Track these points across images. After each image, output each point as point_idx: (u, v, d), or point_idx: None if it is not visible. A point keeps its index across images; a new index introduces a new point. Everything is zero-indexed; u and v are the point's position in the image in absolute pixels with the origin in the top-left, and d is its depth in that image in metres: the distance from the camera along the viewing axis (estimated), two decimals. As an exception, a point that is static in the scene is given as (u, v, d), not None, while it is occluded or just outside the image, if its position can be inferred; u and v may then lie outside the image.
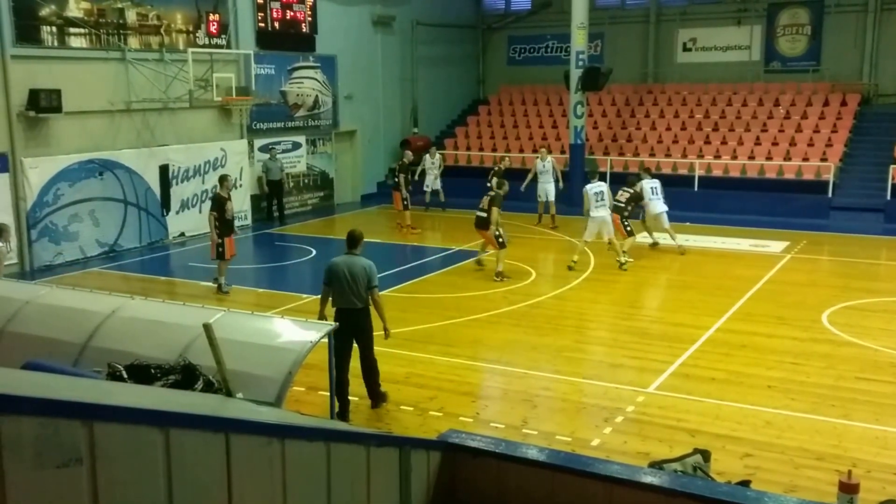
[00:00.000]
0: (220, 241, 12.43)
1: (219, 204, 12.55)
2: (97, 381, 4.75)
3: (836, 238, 17.20)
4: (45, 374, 4.26)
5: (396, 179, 17.95)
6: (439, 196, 20.39)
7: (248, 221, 18.65)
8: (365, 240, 8.31)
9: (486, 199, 13.60)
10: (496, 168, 17.85)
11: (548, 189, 18.28)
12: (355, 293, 7.75)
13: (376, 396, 7.94)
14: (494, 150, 23.18)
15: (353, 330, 7.82)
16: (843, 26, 21.95)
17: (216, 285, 12.67)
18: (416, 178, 20.13)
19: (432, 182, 20.36)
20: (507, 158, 19.60)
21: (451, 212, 20.30)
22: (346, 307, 7.81)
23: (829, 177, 19.18)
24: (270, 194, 19.33)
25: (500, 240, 13.38)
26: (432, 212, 20.25)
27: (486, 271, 13.87)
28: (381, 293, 8.16)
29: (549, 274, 13.86)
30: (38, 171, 14.39)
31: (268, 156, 19.14)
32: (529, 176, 18.36)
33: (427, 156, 20.64)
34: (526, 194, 18.02)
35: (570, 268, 13.89)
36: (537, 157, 18.58)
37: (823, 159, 19.78)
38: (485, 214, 13.43)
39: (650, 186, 15.42)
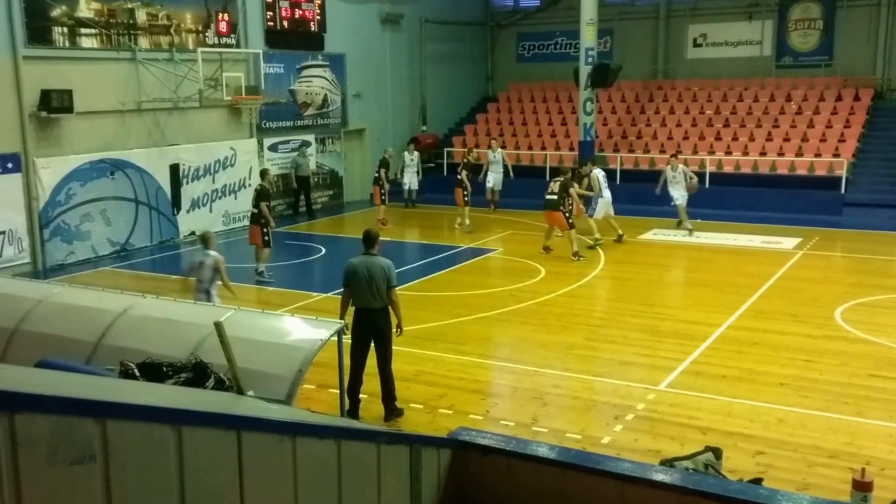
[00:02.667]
0: (266, 230, 12.97)
1: (267, 195, 13.27)
2: (110, 379, 4.78)
3: (849, 234, 17.08)
4: (58, 373, 4.29)
5: (377, 174, 18.15)
6: (412, 195, 20.38)
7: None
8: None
9: (556, 184, 14.58)
10: (465, 160, 18.25)
11: (497, 178, 20.01)
12: (374, 293, 7.73)
13: (390, 411, 7.89)
14: (503, 147, 23.10)
15: (371, 331, 7.81)
16: (855, 20, 21.78)
17: (258, 274, 13.14)
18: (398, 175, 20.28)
19: (410, 179, 20.30)
20: (475, 151, 20.11)
21: (458, 210, 20.26)
22: (364, 307, 7.80)
23: (842, 172, 19.04)
24: (298, 189, 19.58)
25: (570, 221, 14.48)
26: (417, 208, 20.31)
27: (554, 255, 14.63)
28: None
29: (558, 271, 13.81)
30: (50, 170, 14.48)
31: (298, 152, 19.44)
32: (485, 167, 20.01)
33: (406, 153, 20.55)
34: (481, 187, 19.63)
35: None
36: (489, 149, 20.35)
37: (836, 155, 19.63)
38: (555, 197, 14.44)
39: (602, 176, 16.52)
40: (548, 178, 20.93)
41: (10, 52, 13.86)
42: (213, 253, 9.49)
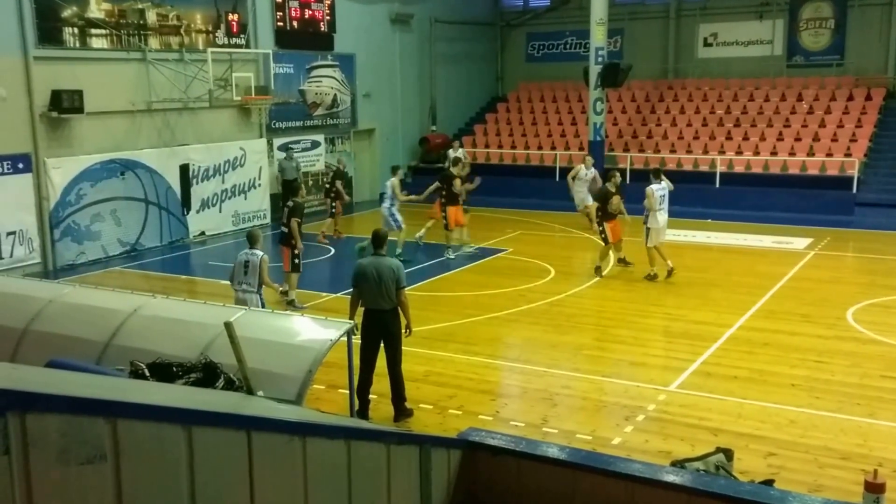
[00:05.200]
0: (296, 252, 11.63)
1: (301, 212, 11.98)
2: (120, 379, 4.79)
3: (861, 234, 16.97)
4: (69, 373, 4.30)
5: (329, 186, 17.16)
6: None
7: (268, 220, 18.73)
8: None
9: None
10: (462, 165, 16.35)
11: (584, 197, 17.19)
12: (383, 294, 7.72)
13: (400, 412, 7.90)
14: (513, 147, 23.11)
15: (380, 331, 7.81)
16: (867, 20, 21.63)
17: (288, 303, 11.43)
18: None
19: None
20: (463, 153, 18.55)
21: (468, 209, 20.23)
22: (373, 308, 7.80)
23: (854, 172, 18.92)
24: (285, 193, 19.21)
25: (603, 236, 13.43)
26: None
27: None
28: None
29: (568, 272, 13.77)
30: (60, 171, 14.55)
31: (284, 155, 19.18)
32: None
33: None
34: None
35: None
36: (581, 164, 17.51)
37: (847, 155, 19.51)
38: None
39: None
40: (557, 178, 20.88)
41: (21, 52, 13.93)
42: (259, 252, 9.15)
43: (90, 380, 3.94)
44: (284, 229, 11.91)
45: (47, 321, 6.88)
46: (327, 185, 17.60)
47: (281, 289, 11.39)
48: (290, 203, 12.09)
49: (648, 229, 12.92)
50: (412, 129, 23.63)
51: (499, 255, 15.33)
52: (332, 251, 16.00)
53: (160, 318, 6.73)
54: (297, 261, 11.69)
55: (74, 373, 4.34)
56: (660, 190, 12.87)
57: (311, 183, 20.28)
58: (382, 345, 7.88)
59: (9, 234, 13.88)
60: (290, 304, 11.47)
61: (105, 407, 2.45)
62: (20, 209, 14.01)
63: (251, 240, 9.32)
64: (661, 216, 12.87)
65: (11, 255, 13.89)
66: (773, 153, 20.29)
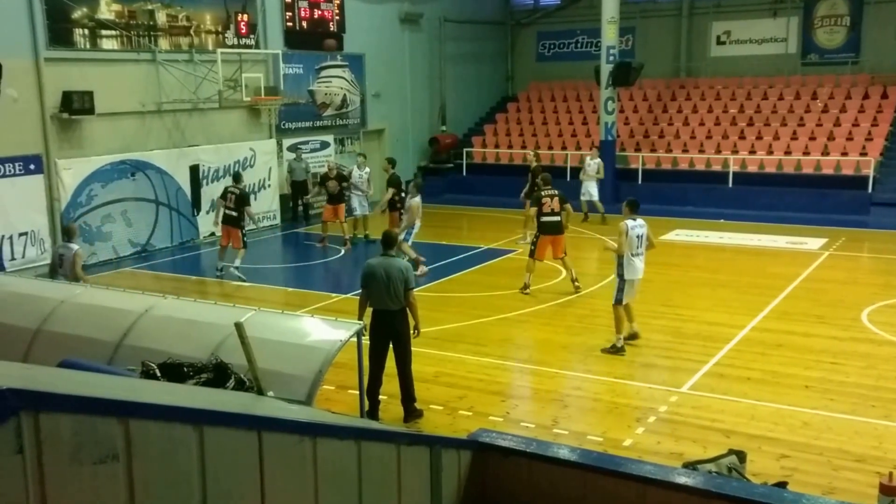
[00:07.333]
0: (244, 232, 13.66)
1: (247, 199, 13.98)
2: (132, 379, 4.80)
3: (877, 234, 16.83)
4: (81, 372, 4.31)
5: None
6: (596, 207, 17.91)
7: (278, 221, 18.78)
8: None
9: (555, 200, 12.36)
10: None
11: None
12: (392, 295, 7.71)
13: (410, 413, 7.89)
14: (524, 147, 23.06)
15: (389, 332, 7.80)
16: (883, 17, 21.45)
17: (235, 268, 13.56)
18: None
19: (589, 189, 18.04)
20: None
21: (478, 210, 20.25)
22: (382, 308, 7.80)
23: (869, 172, 18.76)
24: (294, 194, 19.34)
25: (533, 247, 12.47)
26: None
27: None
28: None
29: (579, 272, 13.71)
30: (71, 172, 14.62)
31: (294, 156, 19.22)
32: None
33: (588, 157, 18.76)
34: None
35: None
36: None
37: (863, 154, 19.35)
38: (558, 218, 12.40)
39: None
40: (568, 178, 20.46)
41: (31, 54, 14.00)
42: (74, 246, 9.76)
43: (102, 380, 3.95)
44: (231, 213, 13.55)
45: (59, 322, 6.91)
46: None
47: (221, 266, 13.76)
48: (235, 190, 13.82)
49: (623, 282, 9.55)
50: (422, 129, 23.62)
51: (509, 255, 15.29)
52: (342, 251, 16.00)
53: (171, 319, 6.75)
54: (245, 239, 13.71)
55: (87, 373, 4.35)
56: (637, 228, 9.55)
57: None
58: (392, 345, 7.88)
59: (21, 234, 13.97)
60: (237, 270, 13.46)
61: (117, 407, 2.45)
62: (32, 210, 14.08)
63: (68, 233, 10.07)
64: (640, 263, 9.63)
65: (23, 256, 13.97)
66: (788, 152, 20.16)
